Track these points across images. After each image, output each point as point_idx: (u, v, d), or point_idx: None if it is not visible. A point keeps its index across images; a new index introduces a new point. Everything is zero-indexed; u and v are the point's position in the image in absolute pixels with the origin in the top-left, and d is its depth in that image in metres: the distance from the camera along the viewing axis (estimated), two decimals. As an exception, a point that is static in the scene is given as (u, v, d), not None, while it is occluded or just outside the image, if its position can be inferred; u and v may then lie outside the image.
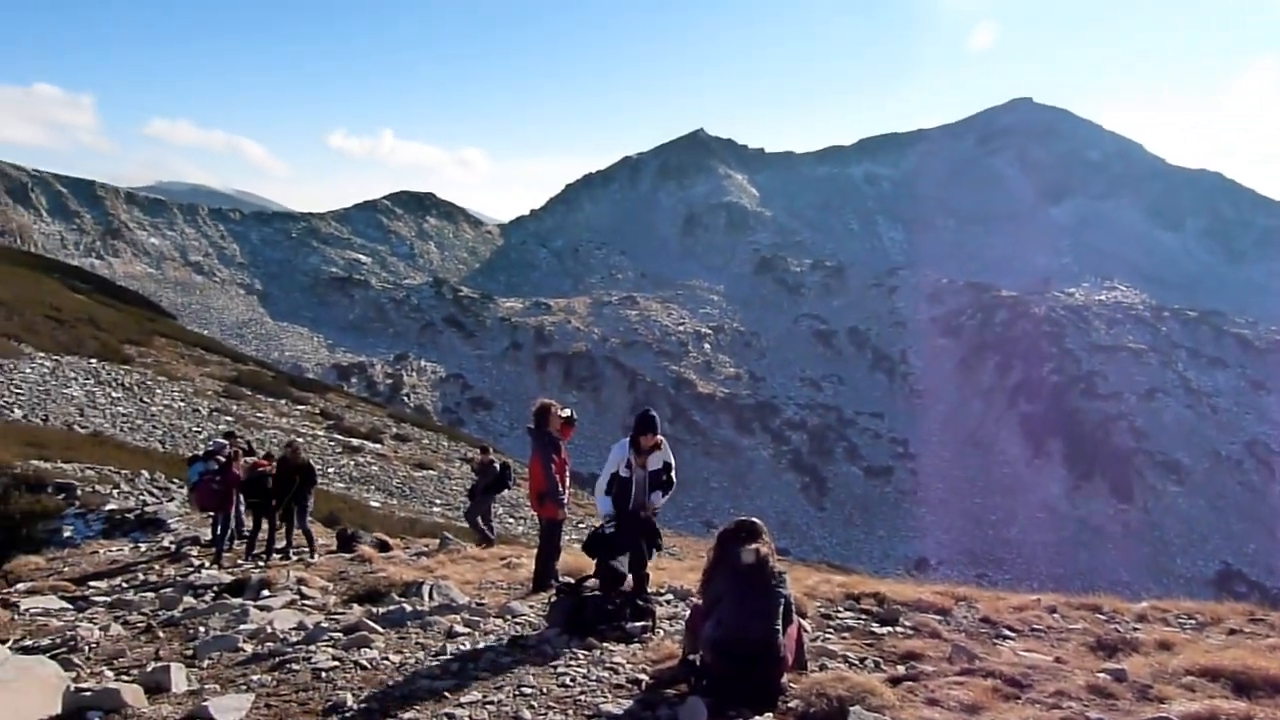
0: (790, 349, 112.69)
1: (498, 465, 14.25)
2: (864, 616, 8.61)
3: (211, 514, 15.28)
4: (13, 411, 31.02)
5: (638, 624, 7.79)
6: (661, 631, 7.92)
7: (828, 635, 7.93)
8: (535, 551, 10.71)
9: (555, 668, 6.88)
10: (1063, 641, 7.92)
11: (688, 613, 7.42)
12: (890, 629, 8.10)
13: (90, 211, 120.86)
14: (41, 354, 39.99)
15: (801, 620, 7.15)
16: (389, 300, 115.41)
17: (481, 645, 7.49)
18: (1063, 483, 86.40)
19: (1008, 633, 8.14)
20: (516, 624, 8.26)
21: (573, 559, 11.53)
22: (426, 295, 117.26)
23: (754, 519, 6.57)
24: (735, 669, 5.87)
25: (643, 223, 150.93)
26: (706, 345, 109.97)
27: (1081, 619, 8.84)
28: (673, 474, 8.72)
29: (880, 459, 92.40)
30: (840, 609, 8.92)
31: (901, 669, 6.74)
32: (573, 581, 8.76)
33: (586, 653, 7.22)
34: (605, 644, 7.44)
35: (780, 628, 6.01)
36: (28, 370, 36.89)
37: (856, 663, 6.98)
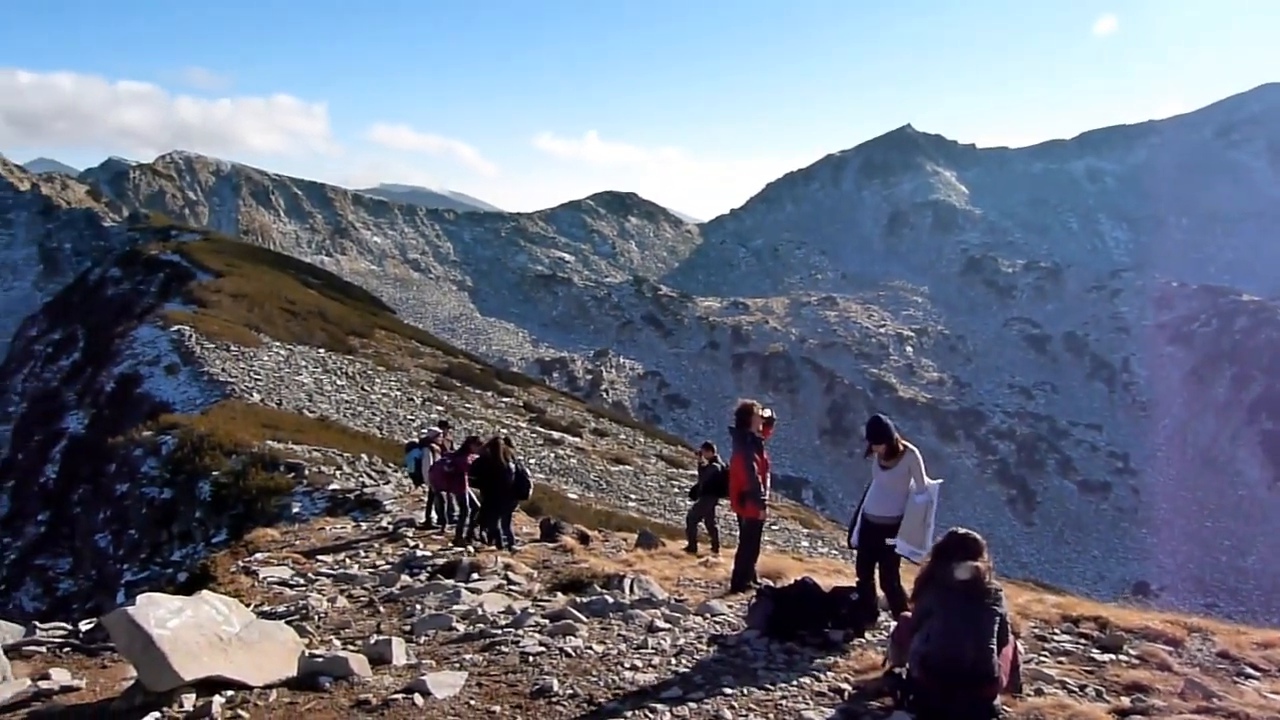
0: (999, 354, 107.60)
1: (719, 466, 13.94)
2: (1083, 641, 8.07)
3: (442, 492, 16.01)
4: (252, 395, 33.68)
5: (840, 632, 7.64)
6: (865, 641, 7.72)
7: (1043, 659, 7.50)
8: (733, 551, 10.67)
9: (755, 670, 6.85)
10: (1318, 686, 7.17)
11: (893, 624, 7.22)
12: (1113, 657, 7.56)
13: (322, 212, 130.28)
14: (278, 343, 43.30)
15: (1016, 641, 6.79)
16: (591, 298, 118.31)
17: (682, 642, 7.55)
18: (1310, 509, 78.64)
19: (1251, 671, 7.42)
20: (716, 623, 8.26)
21: (770, 561, 11.45)
22: (627, 293, 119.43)
23: (974, 533, 6.30)
24: (945, 687, 5.66)
25: (845, 222, 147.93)
26: (909, 348, 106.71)
27: (1340, 662, 7.97)
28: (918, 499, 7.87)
29: (1097, 474, 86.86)
30: (1056, 631, 8.40)
31: (1127, 701, 6.29)
32: (773, 584, 8.69)
33: (787, 657, 7.15)
34: (806, 649, 7.34)
35: (995, 647, 5.75)
36: (265, 358, 40.00)
37: (1076, 690, 6.57)
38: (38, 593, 28.76)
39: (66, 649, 7.32)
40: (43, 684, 6.23)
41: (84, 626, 7.93)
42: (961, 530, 6.39)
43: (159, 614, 5.73)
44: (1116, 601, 13.67)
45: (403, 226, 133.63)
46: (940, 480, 7.92)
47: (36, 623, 8.10)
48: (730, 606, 8.89)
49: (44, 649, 7.23)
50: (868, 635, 7.85)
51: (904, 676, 6.09)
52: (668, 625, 8.02)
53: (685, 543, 15.54)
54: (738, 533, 10.57)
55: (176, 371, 35.87)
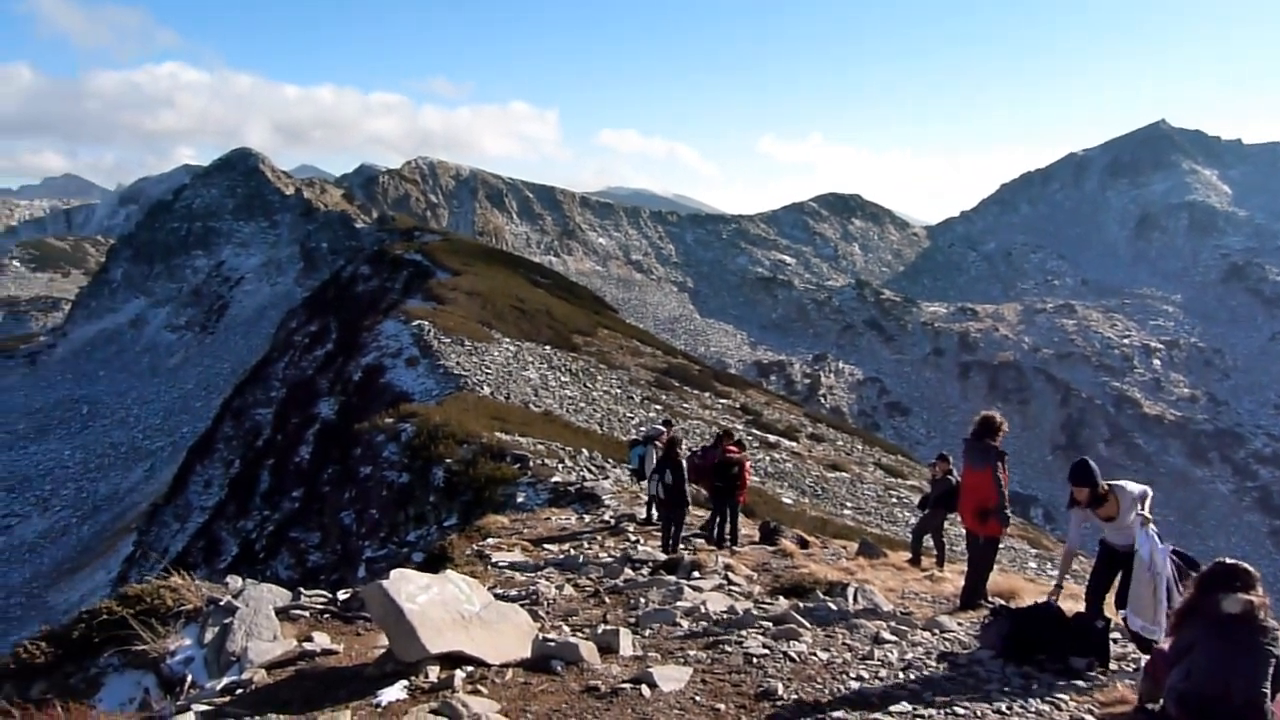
0: (1263, 370, 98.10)
1: (953, 479, 13.34)
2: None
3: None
4: (483, 389, 35.35)
5: (1084, 660, 7.15)
6: (1112, 672, 7.19)
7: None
8: (958, 567, 10.22)
9: (989, 691, 6.53)
10: None
11: (1145, 657, 6.71)
12: None
13: (551, 214, 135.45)
14: (507, 339, 45.34)
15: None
16: (811, 301, 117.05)
17: (910, 656, 7.30)
18: None
19: None
20: (946, 639, 7.94)
21: (1002, 580, 10.90)
22: (848, 297, 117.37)
23: (1246, 565, 5.73)
24: (1205, 728, 5.19)
25: (1087, 225, 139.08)
26: (1156, 361, 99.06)
27: None
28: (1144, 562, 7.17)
29: (1376, 507, 77.75)
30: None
31: None
32: (1007, 604, 8.26)
33: (1024, 681, 6.77)
34: (1044, 675, 6.93)
35: (1269, 691, 5.22)
36: (496, 353, 41.94)
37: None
38: (291, 562, 31.26)
39: (326, 615, 7.95)
40: (307, 645, 6.82)
41: (341, 596, 8.58)
42: (1230, 560, 5.84)
43: (409, 589, 6.10)
44: None
45: (627, 228, 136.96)
46: (1170, 546, 7.20)
47: (301, 589, 8.84)
48: (960, 624, 8.53)
49: (307, 614, 7.88)
50: (1114, 666, 7.32)
51: (1157, 713, 5.65)
52: (894, 638, 7.78)
53: (908, 554, 15.06)
54: (962, 548, 10.13)
55: (416, 364, 38.18)
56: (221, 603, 7.20)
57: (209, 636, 6.82)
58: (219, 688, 6.12)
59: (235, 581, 8.10)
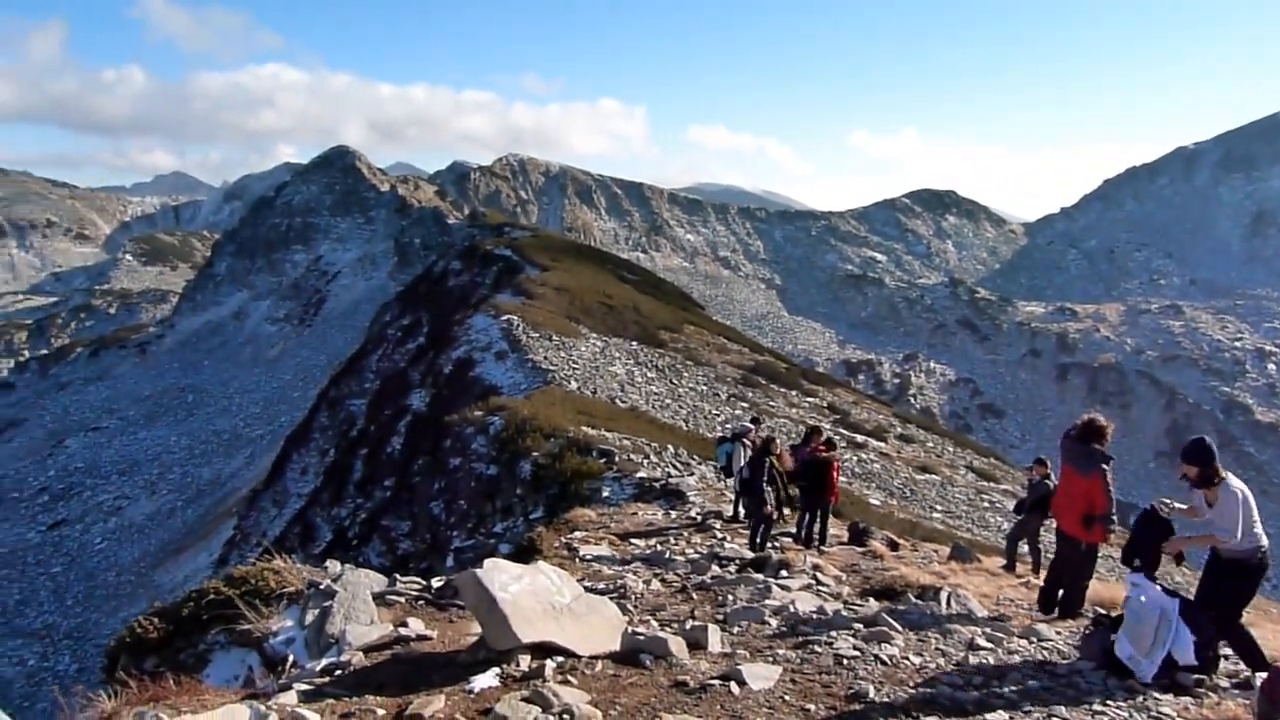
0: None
1: (1051, 484, 12.93)
2: None
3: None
4: (570, 383, 35.65)
5: (1191, 674, 6.88)
6: (1222, 688, 6.90)
7: None
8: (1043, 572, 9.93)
9: (1090, 704, 6.33)
10: None
11: (1261, 674, 6.44)
12: None
13: (639, 210, 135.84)
14: (595, 335, 45.62)
15: None
16: (902, 299, 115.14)
17: (1005, 664, 7.13)
18: None
19: None
20: (1043, 648, 7.73)
21: (1102, 589, 10.57)
22: (941, 295, 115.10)
23: None
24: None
25: (1196, 222, 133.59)
26: (1271, 366, 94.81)
27: None
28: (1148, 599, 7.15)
29: None
30: None
31: None
32: (1109, 614, 8.00)
33: (1127, 695, 6.55)
34: (1149, 689, 6.68)
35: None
36: (583, 348, 42.24)
37: None
38: (382, 550, 31.99)
39: (420, 601, 8.13)
40: (402, 630, 6.98)
41: (435, 583, 8.76)
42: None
43: (502, 579, 6.19)
44: None
45: (715, 224, 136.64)
46: (1180, 598, 7.01)
47: (398, 575, 9.06)
48: (1058, 633, 8.28)
49: (402, 600, 8.07)
50: (1223, 682, 7.03)
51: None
52: (989, 645, 7.60)
53: (1002, 560, 14.71)
54: (1052, 555, 9.83)
55: (505, 358, 38.70)
56: (321, 586, 7.42)
57: (309, 618, 7.03)
58: (319, 668, 6.31)
59: (334, 566, 8.34)
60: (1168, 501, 7.77)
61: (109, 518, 71.46)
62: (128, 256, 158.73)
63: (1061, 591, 9.35)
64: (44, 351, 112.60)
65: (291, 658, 6.79)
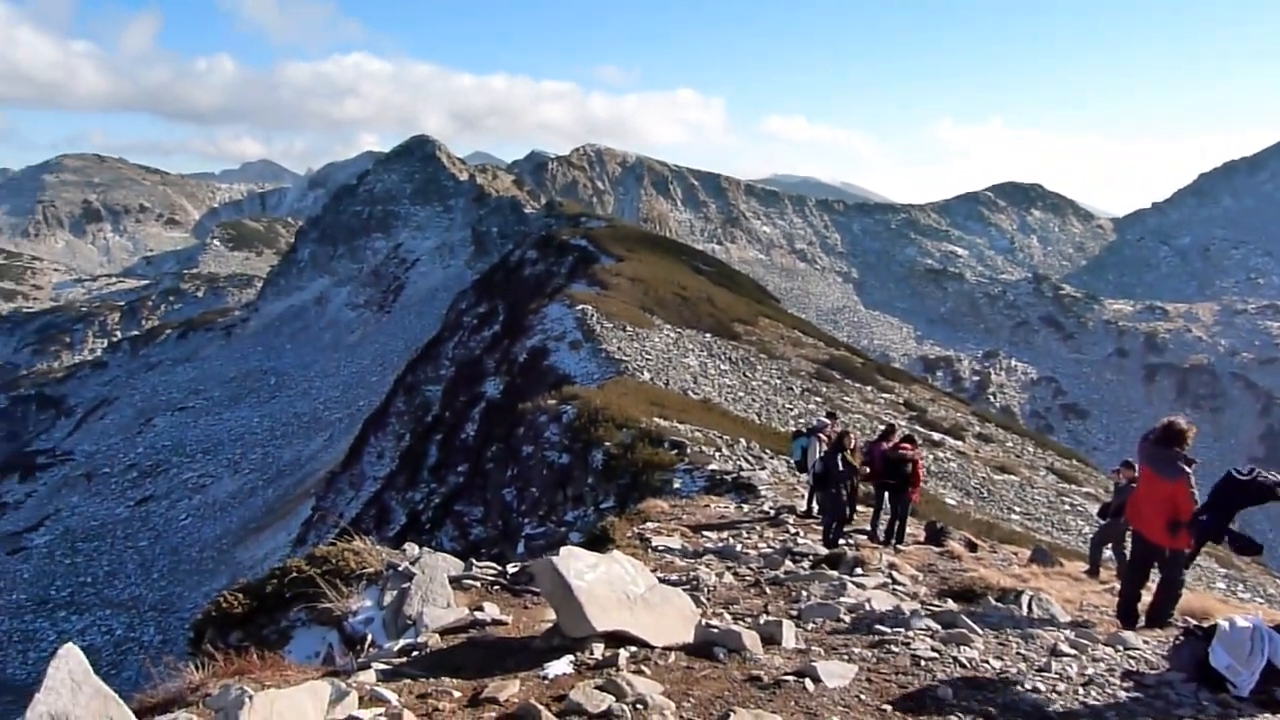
0: None
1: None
2: None
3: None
4: (643, 374, 35.73)
5: (1288, 690, 6.59)
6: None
7: None
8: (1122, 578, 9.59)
9: (1180, 717, 6.10)
10: None
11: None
12: None
13: (715, 201, 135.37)
14: (668, 326, 45.63)
15: None
16: (983, 295, 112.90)
17: (1090, 672, 6.90)
18: None
19: None
20: (1130, 657, 7.47)
21: (1195, 599, 10.22)
22: (1024, 292, 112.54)
23: None
24: None
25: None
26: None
27: None
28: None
29: None
30: None
31: None
32: (1200, 625, 7.70)
33: (1221, 710, 6.29)
34: (1245, 704, 6.41)
35: None
36: (656, 339, 42.28)
37: None
38: (455, 534, 32.50)
39: (495, 586, 8.21)
40: (478, 614, 7.06)
41: (510, 569, 8.84)
42: None
43: (578, 567, 6.20)
44: None
45: (792, 216, 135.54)
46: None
47: (473, 560, 9.17)
48: (1146, 642, 8.00)
49: (478, 584, 8.16)
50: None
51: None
52: (1073, 651, 7.38)
53: (1085, 565, 14.34)
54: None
55: (579, 347, 38.94)
56: (400, 568, 7.53)
57: (388, 599, 7.15)
58: (396, 649, 6.42)
59: (412, 549, 8.46)
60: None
61: (193, 495, 73.89)
62: (215, 242, 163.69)
63: (1149, 599, 9.05)
64: (135, 333, 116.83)
65: (370, 637, 6.91)
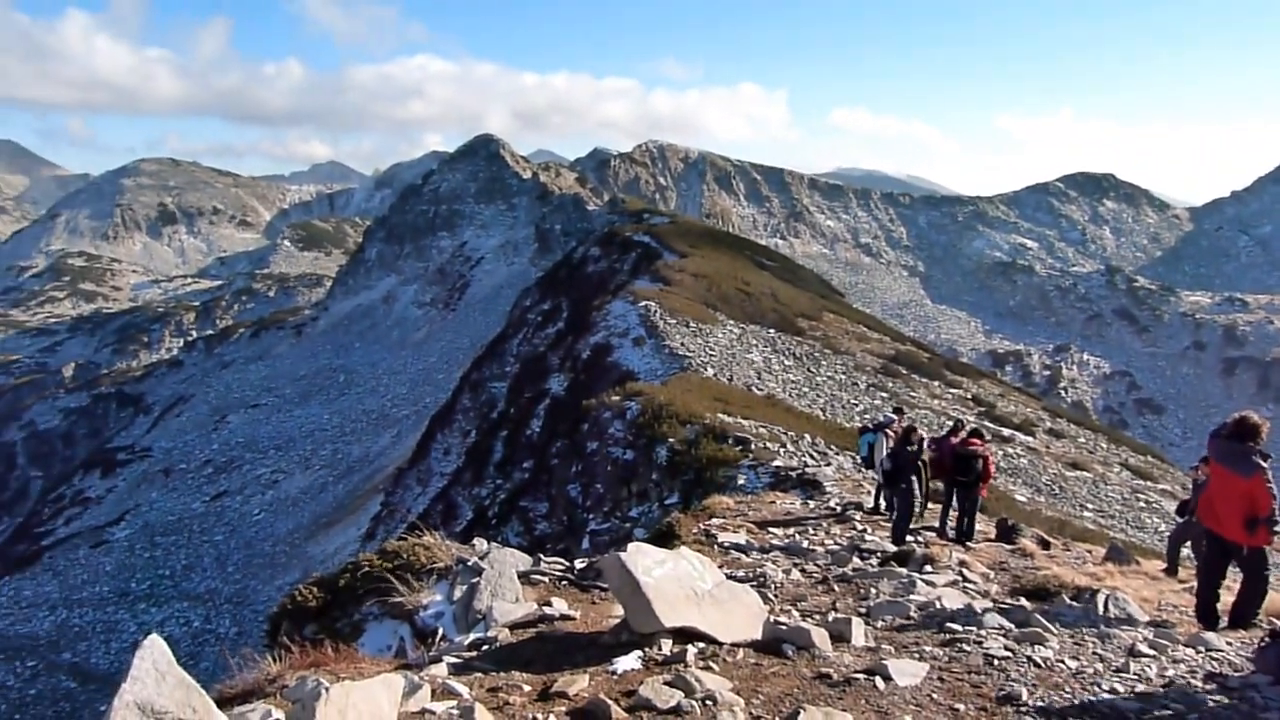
0: None
1: None
2: None
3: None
4: (706, 370, 35.67)
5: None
6: None
7: None
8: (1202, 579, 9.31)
9: (1265, 721, 5.92)
10: None
11: None
12: None
13: (778, 196, 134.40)
14: (731, 321, 45.49)
15: None
16: (1054, 288, 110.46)
17: (1170, 673, 6.73)
18: None
19: None
20: (1213, 658, 7.27)
21: (1279, 599, 9.89)
22: (1096, 284, 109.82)
23: None
24: None
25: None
26: None
27: None
28: None
29: None
30: None
31: None
32: (1288, 626, 7.45)
33: (1309, 713, 6.09)
34: (1337, 711, 6.20)
35: None
36: (720, 335, 42.18)
37: None
38: (520, 530, 32.77)
39: (564, 582, 8.29)
40: (546, 609, 7.14)
41: (578, 564, 8.91)
42: None
43: (646, 563, 6.22)
44: None
45: (856, 210, 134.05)
46: None
47: (541, 555, 9.25)
48: (1229, 644, 7.77)
49: (546, 579, 8.24)
50: None
51: None
52: (1152, 652, 7.19)
53: (1162, 563, 13.98)
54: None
55: (643, 343, 39.01)
56: (469, 563, 7.64)
57: (458, 594, 7.25)
58: (467, 643, 6.51)
59: (481, 544, 8.57)
60: None
61: (266, 490, 75.64)
62: (286, 242, 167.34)
63: (1230, 599, 8.79)
64: (209, 332, 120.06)
65: (441, 631, 7.02)
